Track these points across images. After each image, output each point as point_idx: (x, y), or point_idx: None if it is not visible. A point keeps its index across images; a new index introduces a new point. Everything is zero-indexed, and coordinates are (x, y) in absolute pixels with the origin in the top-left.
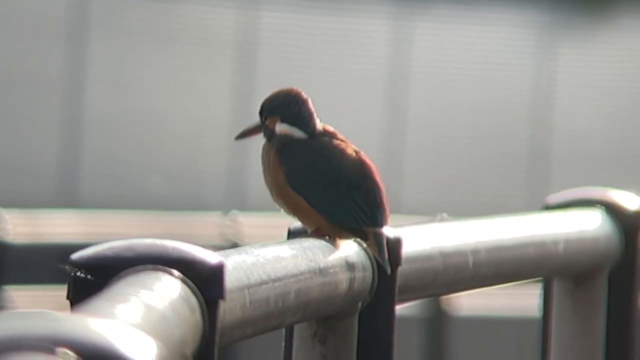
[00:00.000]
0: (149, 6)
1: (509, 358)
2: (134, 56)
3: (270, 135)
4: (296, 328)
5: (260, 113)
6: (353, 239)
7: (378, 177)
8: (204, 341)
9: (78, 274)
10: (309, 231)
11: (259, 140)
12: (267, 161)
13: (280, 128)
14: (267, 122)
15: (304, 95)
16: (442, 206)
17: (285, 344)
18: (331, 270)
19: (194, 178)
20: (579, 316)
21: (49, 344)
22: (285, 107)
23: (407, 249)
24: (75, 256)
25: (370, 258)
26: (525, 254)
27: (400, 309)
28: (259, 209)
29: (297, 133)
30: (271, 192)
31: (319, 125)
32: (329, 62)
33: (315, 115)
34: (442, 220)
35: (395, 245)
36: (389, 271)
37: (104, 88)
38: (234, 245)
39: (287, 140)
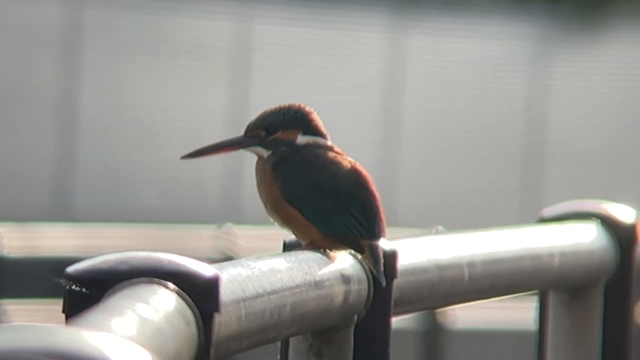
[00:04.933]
0: (143, 18)
1: None
2: (128, 68)
3: (277, 146)
4: (292, 341)
5: (266, 128)
6: (348, 252)
7: (374, 188)
8: (200, 354)
9: (73, 287)
10: (304, 244)
11: (254, 154)
12: (262, 176)
13: (304, 139)
14: (280, 135)
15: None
16: (438, 219)
17: (281, 357)
18: (327, 283)
19: (188, 191)
20: (574, 329)
21: (45, 358)
22: (307, 121)
23: (402, 262)
24: (70, 269)
25: (365, 271)
26: (520, 267)
27: (396, 321)
28: (254, 221)
29: (322, 142)
30: (265, 206)
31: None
32: (324, 75)
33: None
34: (437, 232)
35: (390, 258)
36: (384, 284)
37: (98, 100)
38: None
39: (282, 155)
